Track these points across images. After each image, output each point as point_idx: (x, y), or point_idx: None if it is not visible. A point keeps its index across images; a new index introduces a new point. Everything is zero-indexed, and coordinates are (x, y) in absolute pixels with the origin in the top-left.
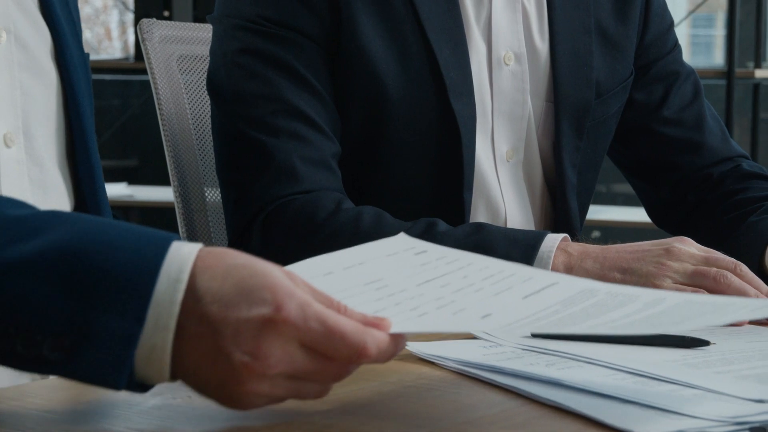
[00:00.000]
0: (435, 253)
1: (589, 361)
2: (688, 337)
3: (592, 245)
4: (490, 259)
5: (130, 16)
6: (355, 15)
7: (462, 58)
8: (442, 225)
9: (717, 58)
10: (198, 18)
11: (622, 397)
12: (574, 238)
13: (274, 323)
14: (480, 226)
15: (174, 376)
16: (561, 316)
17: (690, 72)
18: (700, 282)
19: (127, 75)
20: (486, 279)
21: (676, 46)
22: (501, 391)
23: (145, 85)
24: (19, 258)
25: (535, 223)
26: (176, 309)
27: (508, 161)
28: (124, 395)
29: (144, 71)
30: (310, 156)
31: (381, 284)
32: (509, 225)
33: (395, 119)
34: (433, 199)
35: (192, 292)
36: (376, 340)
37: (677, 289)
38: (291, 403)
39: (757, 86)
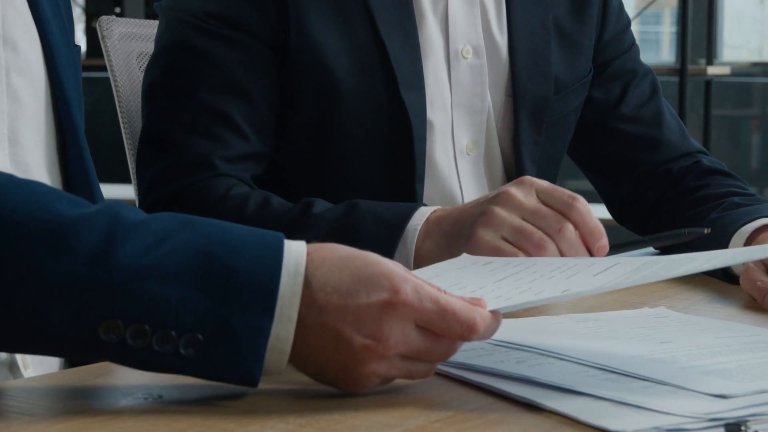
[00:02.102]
0: (501, 261)
1: (560, 357)
2: (685, 231)
3: (452, 209)
4: (553, 258)
5: (77, 11)
6: (303, 9)
7: (413, 51)
8: (318, 206)
9: (664, 54)
10: (150, 14)
11: (595, 393)
12: None
13: (393, 306)
14: (353, 206)
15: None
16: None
17: (648, 71)
18: (521, 243)
19: None
20: (554, 270)
21: (633, 45)
22: (473, 389)
23: (96, 83)
24: (157, 261)
25: None
26: (297, 300)
27: (468, 154)
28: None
29: (96, 68)
30: (221, 154)
31: (461, 285)
32: None
33: (346, 112)
34: (386, 191)
35: (309, 284)
36: (482, 316)
37: (497, 248)
38: (265, 403)
39: (709, 83)
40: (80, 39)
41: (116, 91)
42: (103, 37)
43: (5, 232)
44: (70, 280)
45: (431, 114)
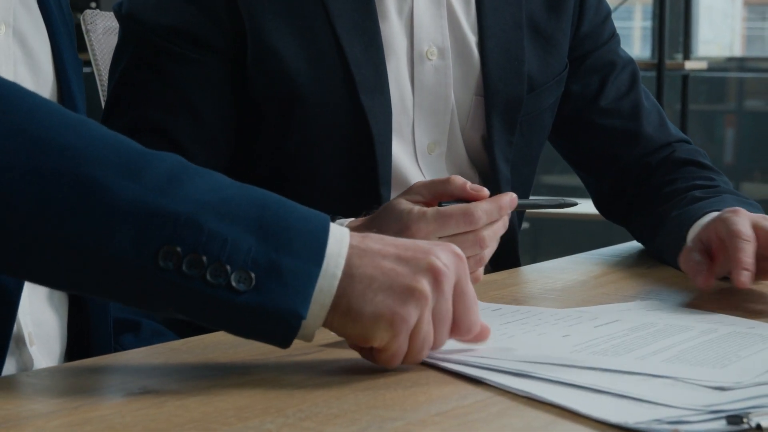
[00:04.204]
0: (510, 308)
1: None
2: (559, 199)
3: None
4: (559, 310)
5: None
6: (259, 17)
7: (375, 55)
8: None
9: (636, 49)
10: None
11: (596, 387)
12: (511, 231)
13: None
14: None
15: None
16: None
17: (628, 62)
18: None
19: None
20: (559, 320)
21: (613, 36)
22: (473, 383)
23: None
24: (219, 202)
25: None
26: (342, 261)
27: (429, 154)
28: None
29: None
30: None
31: None
32: None
33: (308, 117)
34: (350, 196)
35: (352, 248)
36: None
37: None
38: (264, 398)
39: (685, 78)
40: None
41: (101, 85)
42: (87, 31)
43: (84, 155)
44: (137, 206)
45: (392, 116)
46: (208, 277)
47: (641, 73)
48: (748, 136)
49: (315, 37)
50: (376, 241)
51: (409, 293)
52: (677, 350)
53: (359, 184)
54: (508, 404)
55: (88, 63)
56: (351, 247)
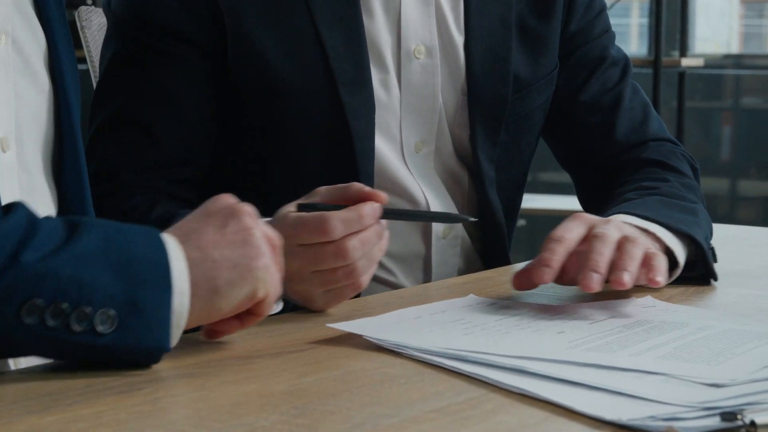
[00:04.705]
0: (504, 303)
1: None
2: (453, 214)
3: None
4: (554, 306)
5: None
6: (241, 12)
7: (357, 49)
8: None
9: (633, 46)
10: None
11: (590, 383)
12: (498, 230)
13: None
14: None
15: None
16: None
17: (619, 59)
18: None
19: None
20: (555, 316)
21: (606, 32)
22: (467, 380)
23: None
24: (73, 252)
25: (459, 211)
26: (185, 274)
27: (417, 153)
28: None
29: None
30: (133, 166)
31: (465, 321)
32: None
33: (288, 111)
34: None
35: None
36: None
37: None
38: (259, 395)
39: (682, 75)
40: None
41: (95, 82)
42: (82, 28)
43: None
44: None
45: (377, 113)
46: (72, 325)
47: (638, 71)
48: (744, 134)
49: (295, 30)
50: (199, 234)
51: (245, 241)
52: (672, 347)
53: (341, 179)
54: (502, 401)
55: (83, 59)
56: (187, 256)
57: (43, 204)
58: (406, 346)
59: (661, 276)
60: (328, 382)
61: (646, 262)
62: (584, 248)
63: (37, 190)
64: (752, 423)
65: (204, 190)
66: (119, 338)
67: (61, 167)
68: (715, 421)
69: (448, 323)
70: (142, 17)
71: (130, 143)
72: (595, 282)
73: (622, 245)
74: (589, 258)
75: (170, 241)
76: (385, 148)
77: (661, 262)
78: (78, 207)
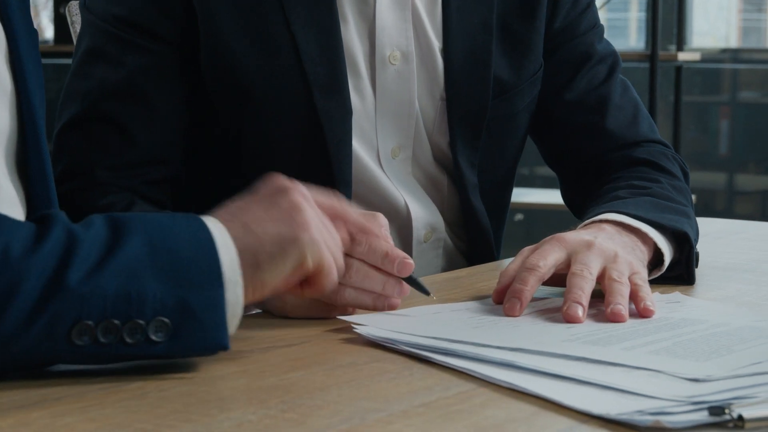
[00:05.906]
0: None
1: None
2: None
3: None
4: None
5: None
6: (214, 11)
7: (333, 54)
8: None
9: (632, 41)
10: None
11: (578, 378)
12: (483, 234)
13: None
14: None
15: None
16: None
17: (607, 55)
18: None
19: (43, 59)
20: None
21: (593, 28)
22: (456, 374)
23: (64, 69)
24: (118, 265)
25: (444, 218)
26: (237, 264)
27: (393, 158)
28: None
29: (64, 54)
30: (106, 163)
31: (462, 320)
32: (414, 218)
33: (261, 114)
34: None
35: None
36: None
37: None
38: (247, 389)
39: (679, 69)
40: (48, 25)
41: None
42: (72, 23)
43: None
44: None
45: (353, 119)
46: (126, 338)
47: (636, 65)
48: (742, 128)
49: (269, 33)
50: (245, 212)
51: (290, 217)
52: (671, 342)
53: (318, 184)
54: (491, 395)
55: (59, 54)
56: (234, 240)
57: (9, 202)
58: (396, 341)
59: (651, 302)
60: (316, 376)
61: (634, 295)
62: (564, 272)
63: (2, 188)
64: (740, 417)
65: (177, 193)
66: (175, 345)
67: (26, 165)
68: (703, 416)
69: (464, 318)
70: (112, 12)
71: (103, 140)
72: (580, 313)
73: (607, 283)
74: (571, 292)
75: (216, 229)
76: (362, 154)
77: (647, 291)
78: (44, 203)
